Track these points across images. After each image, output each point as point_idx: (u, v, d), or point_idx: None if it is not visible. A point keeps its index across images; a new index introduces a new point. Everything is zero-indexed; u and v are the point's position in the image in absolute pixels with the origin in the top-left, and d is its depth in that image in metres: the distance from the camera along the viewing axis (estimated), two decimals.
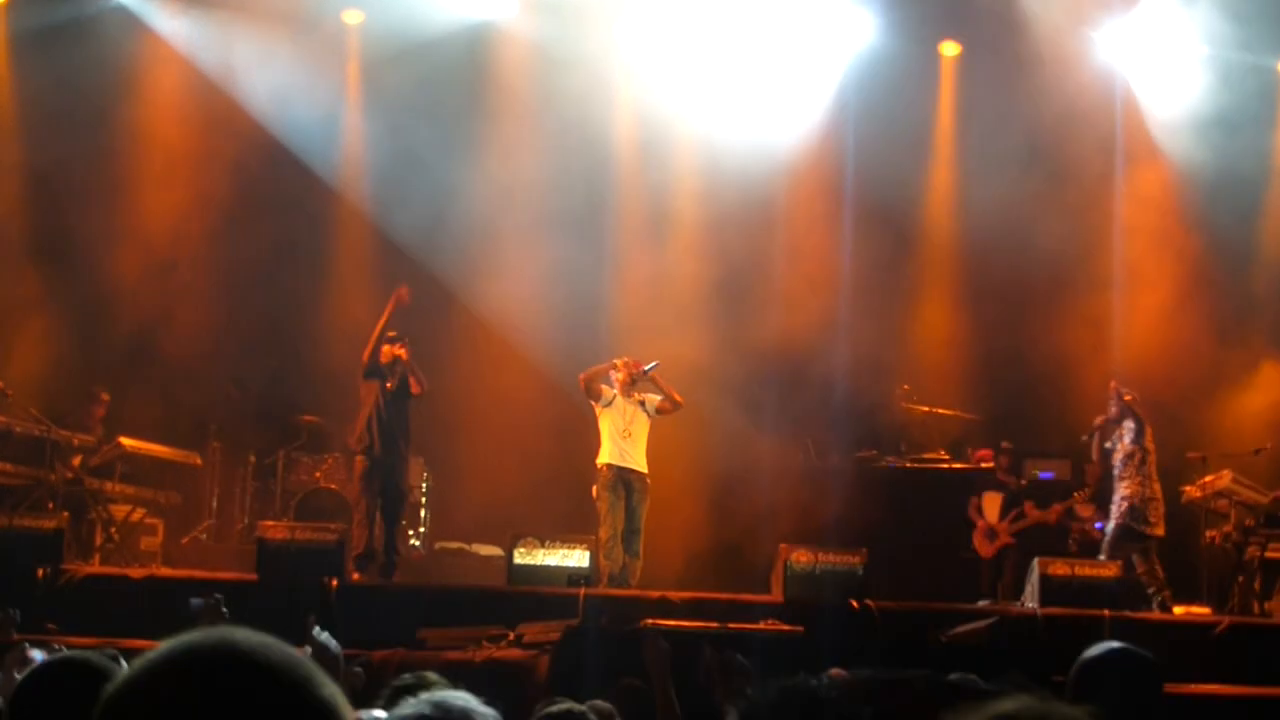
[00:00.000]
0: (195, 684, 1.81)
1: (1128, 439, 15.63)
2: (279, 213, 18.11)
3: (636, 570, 14.99)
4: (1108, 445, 15.89)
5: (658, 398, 15.43)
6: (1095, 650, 4.77)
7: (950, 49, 19.20)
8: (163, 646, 1.87)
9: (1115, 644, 4.86)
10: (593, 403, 15.42)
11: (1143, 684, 4.81)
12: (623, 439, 15.25)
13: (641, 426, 15.33)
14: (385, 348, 15.50)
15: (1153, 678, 4.83)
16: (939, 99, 19.22)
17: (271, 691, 1.82)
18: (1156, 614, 14.95)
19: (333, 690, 1.86)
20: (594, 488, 15.28)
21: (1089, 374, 17.67)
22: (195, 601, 7.61)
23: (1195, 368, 18.27)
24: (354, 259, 18.84)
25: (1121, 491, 15.54)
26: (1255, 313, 18.65)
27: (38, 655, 5.49)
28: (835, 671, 6.10)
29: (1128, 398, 15.68)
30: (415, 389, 15.56)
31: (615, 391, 15.36)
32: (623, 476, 15.15)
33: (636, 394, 15.38)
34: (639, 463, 15.27)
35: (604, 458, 15.27)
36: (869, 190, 18.61)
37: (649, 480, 15.28)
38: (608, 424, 15.31)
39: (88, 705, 1.87)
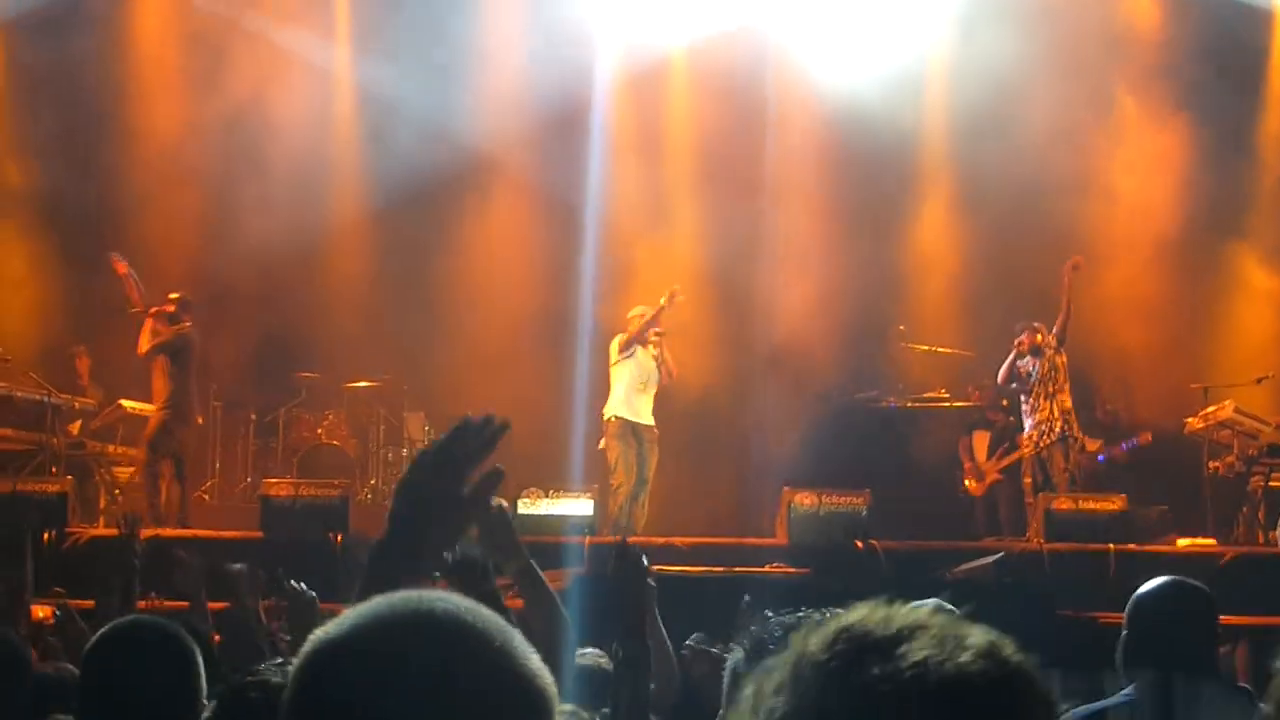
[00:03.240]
0: (410, 647, 1.78)
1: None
2: (275, 164, 18.01)
3: (641, 520, 15.01)
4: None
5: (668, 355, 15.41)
6: (1150, 585, 4.78)
7: None
8: (363, 609, 1.84)
9: (1170, 579, 4.88)
10: (617, 355, 15.36)
11: (1199, 617, 4.82)
12: (638, 392, 15.23)
13: (655, 382, 15.31)
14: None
15: (1208, 610, 4.84)
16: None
17: (481, 659, 1.80)
18: (1162, 546, 14.95)
19: (538, 661, 1.84)
20: (601, 439, 15.26)
21: (1085, 306, 17.68)
22: (235, 566, 7.60)
23: (1194, 296, 18.30)
24: (352, 214, 18.77)
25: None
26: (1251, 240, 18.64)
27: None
28: None
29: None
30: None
31: (634, 342, 15.34)
32: (632, 428, 15.15)
33: (656, 346, 15.33)
34: (648, 416, 15.27)
35: (613, 410, 15.23)
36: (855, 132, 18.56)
37: (657, 432, 15.30)
38: (625, 375, 15.26)
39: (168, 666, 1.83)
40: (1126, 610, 4.76)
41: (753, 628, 3.38)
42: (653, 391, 15.35)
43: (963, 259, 18.58)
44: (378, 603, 1.84)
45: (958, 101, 18.55)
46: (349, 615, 1.83)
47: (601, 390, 15.61)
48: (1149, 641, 4.71)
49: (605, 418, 15.28)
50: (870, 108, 18.17)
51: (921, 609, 1.72)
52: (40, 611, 8.81)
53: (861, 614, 1.72)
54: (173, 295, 15.53)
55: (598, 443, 15.37)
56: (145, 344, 15.28)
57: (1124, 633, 4.83)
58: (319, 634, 1.82)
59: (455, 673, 1.77)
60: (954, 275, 18.55)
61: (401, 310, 18.36)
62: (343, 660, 1.79)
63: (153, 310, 15.33)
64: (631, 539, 14.08)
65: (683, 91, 19.27)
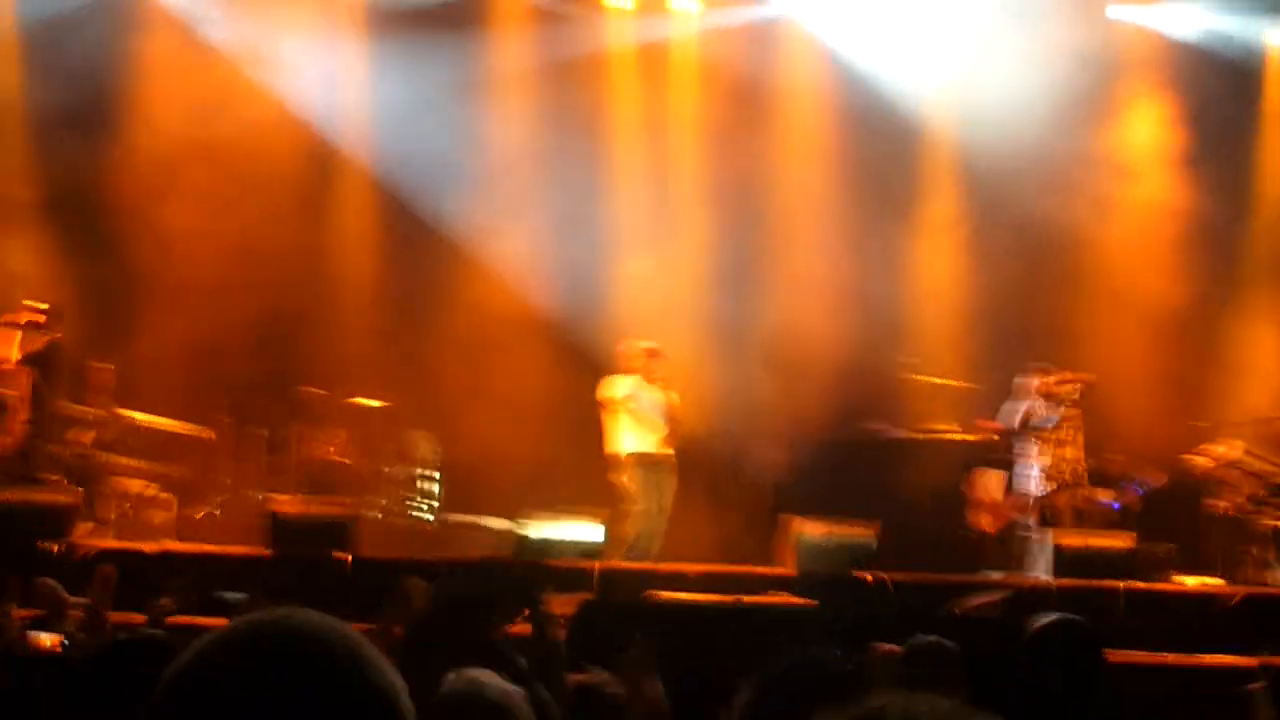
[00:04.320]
0: (255, 664, 1.81)
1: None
2: (289, 185, 18.09)
3: (655, 548, 15.02)
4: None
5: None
6: (1040, 622, 4.83)
7: None
8: (226, 626, 1.87)
9: (1059, 615, 4.93)
10: (613, 394, 15.39)
11: (1086, 654, 4.86)
12: (647, 423, 15.23)
13: (661, 410, 15.31)
14: None
15: (1095, 647, 4.89)
16: None
17: (331, 674, 1.82)
18: (1171, 585, 14.95)
19: (394, 678, 1.86)
20: (618, 473, 15.26)
21: (1091, 344, 17.71)
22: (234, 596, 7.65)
23: (1202, 333, 18.32)
24: (362, 231, 18.85)
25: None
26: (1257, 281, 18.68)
27: None
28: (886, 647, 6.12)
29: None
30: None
31: (637, 378, 15.35)
32: (653, 459, 15.16)
33: (658, 379, 15.36)
34: (663, 445, 15.27)
35: (630, 446, 15.23)
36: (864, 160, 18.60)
37: (675, 460, 15.31)
38: (630, 414, 15.27)
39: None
40: (1018, 648, 4.80)
41: (761, 674, 3.41)
42: (662, 419, 15.34)
43: (971, 293, 18.59)
44: (235, 622, 1.88)
45: (966, 135, 18.60)
46: (220, 629, 1.88)
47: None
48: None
49: (622, 454, 15.26)
50: (879, 139, 18.25)
51: (939, 703, 1.72)
52: (46, 640, 8.61)
53: (880, 704, 1.73)
54: (42, 305, 15.53)
55: (607, 469, 15.38)
56: (13, 353, 15.23)
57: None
58: (190, 647, 1.87)
59: (301, 687, 1.80)
60: (961, 308, 18.56)
61: (413, 328, 18.39)
62: (198, 671, 1.83)
63: (23, 320, 15.30)
64: (637, 564, 14.17)
65: (690, 127, 19.31)
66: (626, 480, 15.17)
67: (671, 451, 15.33)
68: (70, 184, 17.95)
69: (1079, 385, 15.82)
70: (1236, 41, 18.66)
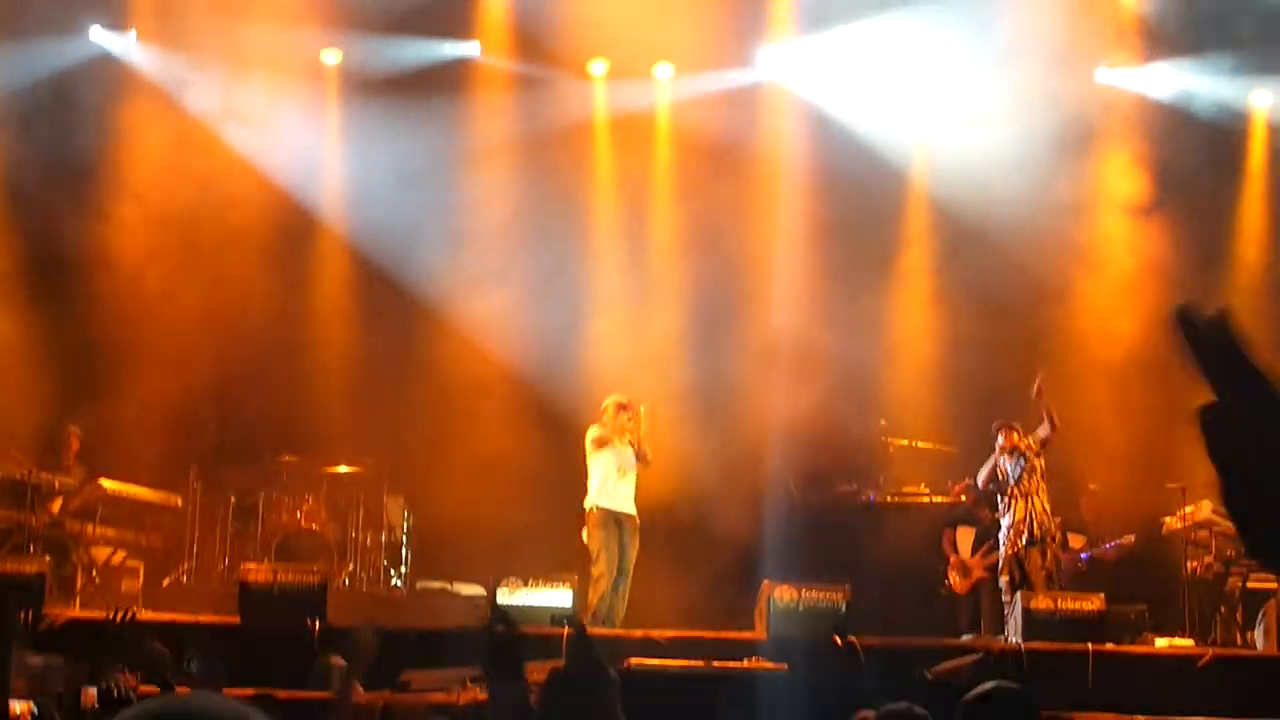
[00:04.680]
0: None
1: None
2: (263, 251, 18.11)
3: (621, 611, 14.99)
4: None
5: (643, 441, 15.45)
6: (979, 690, 4.86)
7: None
8: (127, 712, 1.88)
9: (997, 683, 4.96)
10: (592, 447, 15.39)
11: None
12: (616, 480, 15.24)
13: (633, 468, 15.34)
14: None
15: (1033, 714, 4.91)
16: None
17: None
18: (1140, 647, 14.97)
19: None
20: (583, 530, 15.26)
21: (1063, 405, 17.78)
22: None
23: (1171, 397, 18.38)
24: (336, 298, 18.88)
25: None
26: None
27: None
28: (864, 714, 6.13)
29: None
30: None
31: (611, 434, 15.38)
32: (614, 517, 15.15)
33: (630, 435, 15.38)
34: (628, 504, 15.28)
35: (594, 500, 15.24)
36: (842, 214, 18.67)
37: (638, 521, 15.31)
38: (601, 466, 15.28)
39: None
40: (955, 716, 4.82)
41: None
42: (632, 478, 15.36)
43: (943, 355, 18.64)
44: (137, 709, 1.90)
45: (940, 199, 18.70)
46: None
47: (580, 480, 15.62)
48: None
49: (586, 508, 15.29)
50: (857, 199, 18.32)
51: None
52: (18, 707, 8.58)
53: None
54: None
55: (579, 533, 15.37)
56: None
57: None
58: None
59: None
60: (933, 370, 18.60)
61: (381, 395, 18.39)
62: None
63: None
64: (608, 631, 14.13)
65: (666, 190, 19.40)
66: (588, 538, 15.16)
67: (634, 512, 15.30)
68: (44, 250, 17.96)
69: (1040, 437, 15.86)
70: (1219, 104, 18.79)
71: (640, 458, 15.36)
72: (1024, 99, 18.12)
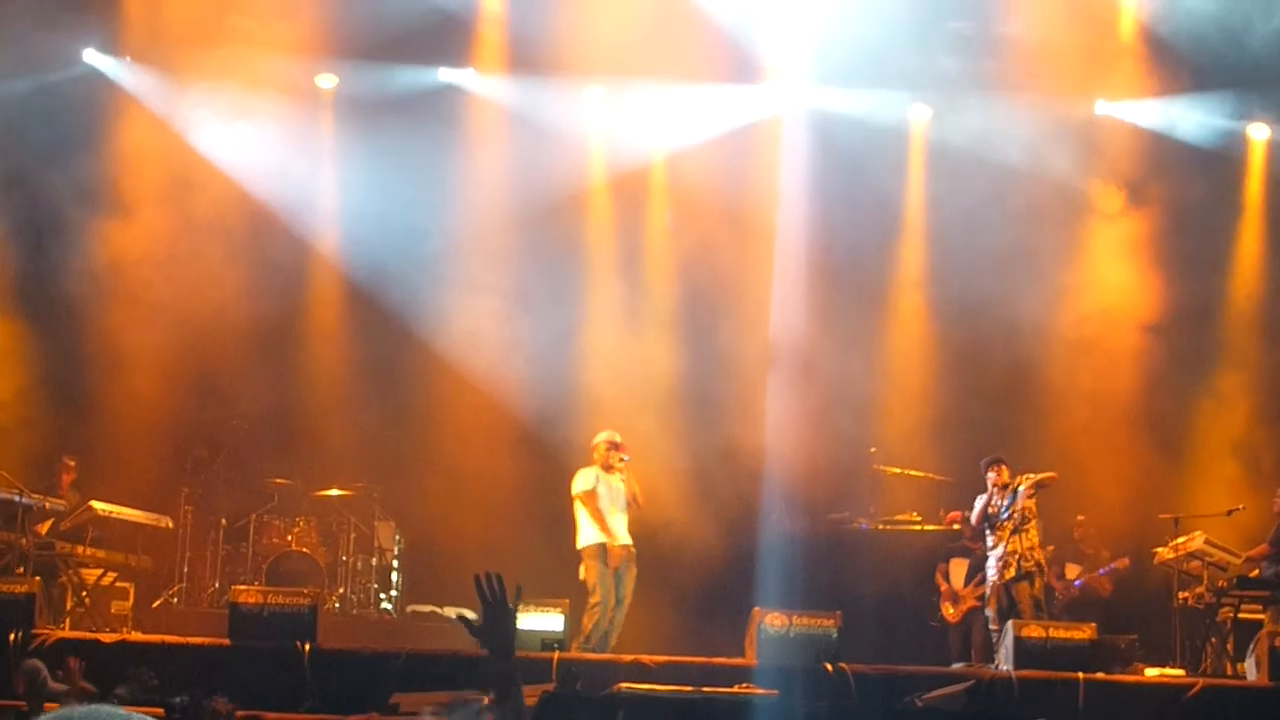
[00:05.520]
0: None
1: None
2: (255, 277, 18.12)
3: (614, 637, 14.99)
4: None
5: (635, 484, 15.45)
6: None
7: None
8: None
9: None
10: (581, 489, 15.38)
11: None
12: (611, 514, 15.24)
13: (624, 502, 15.33)
14: None
15: None
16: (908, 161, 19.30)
17: None
18: (1130, 676, 14.97)
19: None
20: (580, 568, 15.24)
21: (1058, 436, 17.80)
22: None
23: (1166, 429, 18.41)
24: (329, 323, 18.88)
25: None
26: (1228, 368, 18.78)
27: None
28: None
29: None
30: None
31: (597, 473, 15.37)
32: (606, 551, 15.13)
33: (620, 474, 15.39)
34: (624, 536, 15.27)
35: (588, 540, 15.23)
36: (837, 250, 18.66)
37: (634, 550, 15.31)
38: (591, 508, 15.26)
39: None
40: None
41: None
42: (625, 511, 15.36)
43: (935, 384, 18.64)
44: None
45: (933, 230, 18.73)
46: None
47: (571, 500, 15.62)
48: None
49: (580, 547, 15.26)
50: (853, 233, 18.34)
51: None
52: None
53: None
54: None
55: (570, 557, 15.37)
56: None
57: None
58: None
59: None
60: (926, 399, 18.59)
61: (374, 420, 18.38)
62: None
63: None
64: (598, 656, 14.11)
65: (661, 213, 19.42)
66: (584, 572, 15.17)
67: (630, 542, 15.31)
68: (37, 273, 17.97)
69: (1037, 479, 15.88)
70: (1217, 137, 18.83)
71: (633, 501, 15.36)
72: (1023, 128, 18.15)
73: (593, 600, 15.03)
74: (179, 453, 17.80)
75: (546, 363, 18.01)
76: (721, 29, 18.47)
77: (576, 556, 15.43)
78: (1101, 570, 17.54)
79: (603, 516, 15.22)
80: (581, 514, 15.33)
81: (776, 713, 12.05)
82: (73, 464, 16.66)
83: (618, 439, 15.49)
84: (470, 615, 4.44)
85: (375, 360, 18.51)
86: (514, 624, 4.64)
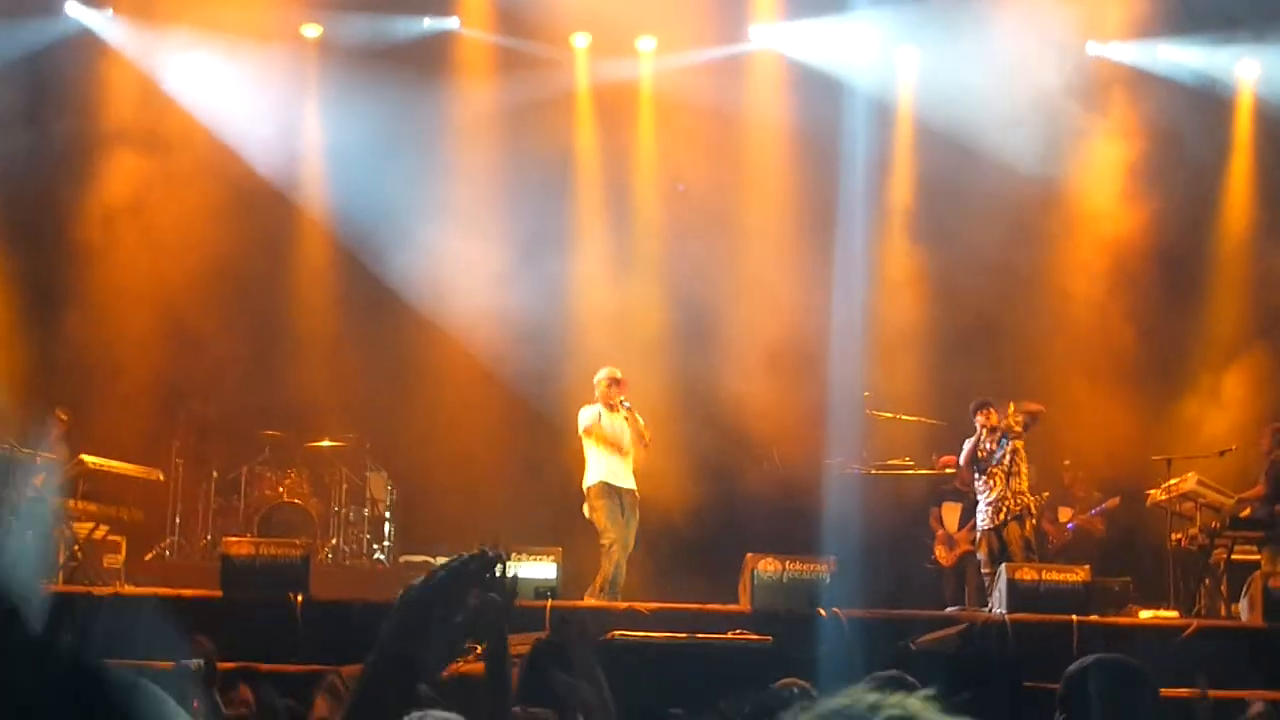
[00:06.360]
0: None
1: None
2: (242, 229, 18.05)
3: (620, 583, 14.98)
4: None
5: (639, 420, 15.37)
6: (1081, 662, 4.68)
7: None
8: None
9: (1103, 656, 4.77)
10: (587, 425, 15.31)
11: (1139, 695, 4.73)
12: (613, 454, 15.17)
13: (629, 444, 15.26)
14: None
15: (1147, 688, 4.76)
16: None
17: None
18: (1124, 618, 14.99)
19: None
20: (584, 506, 15.18)
21: (1051, 376, 17.78)
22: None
23: (1160, 366, 18.43)
24: (316, 274, 18.82)
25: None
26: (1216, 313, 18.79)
27: None
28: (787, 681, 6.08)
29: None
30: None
31: (600, 409, 15.31)
32: (614, 490, 15.09)
33: (627, 414, 15.32)
34: (628, 479, 15.21)
35: (593, 477, 15.16)
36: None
37: (638, 495, 15.26)
38: (596, 442, 15.20)
39: None
40: (1059, 690, 4.65)
41: (721, 703, 3.34)
42: (630, 454, 15.29)
43: (930, 326, 18.61)
44: None
45: (932, 167, 18.67)
46: None
47: (563, 449, 15.58)
48: None
49: (586, 487, 15.21)
50: (845, 171, 18.28)
51: (909, 699, 1.68)
52: None
53: (849, 700, 1.68)
54: None
55: (564, 506, 15.33)
56: None
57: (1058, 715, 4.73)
58: None
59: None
60: (924, 342, 18.56)
61: (365, 370, 18.33)
62: None
63: None
64: (593, 603, 14.10)
65: (650, 143, 19.36)
66: (591, 512, 15.10)
67: (633, 486, 15.24)
68: (24, 228, 17.88)
69: (1024, 416, 15.87)
70: (1207, 76, 18.79)
71: (639, 440, 15.29)
72: (1016, 66, 18.06)
73: (604, 541, 14.96)
74: (169, 406, 17.74)
75: (538, 310, 17.94)
76: None
77: (572, 504, 15.41)
78: (1093, 510, 17.56)
79: (608, 457, 15.14)
80: (590, 451, 15.26)
81: (770, 658, 12.05)
82: (65, 417, 16.59)
83: (619, 375, 15.41)
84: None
85: (364, 311, 18.44)
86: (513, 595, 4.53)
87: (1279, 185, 18.77)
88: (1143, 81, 18.79)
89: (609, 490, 15.09)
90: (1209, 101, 18.72)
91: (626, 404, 15.28)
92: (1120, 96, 18.74)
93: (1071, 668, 4.61)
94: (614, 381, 15.36)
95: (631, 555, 15.39)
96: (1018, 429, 15.77)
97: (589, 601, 14.34)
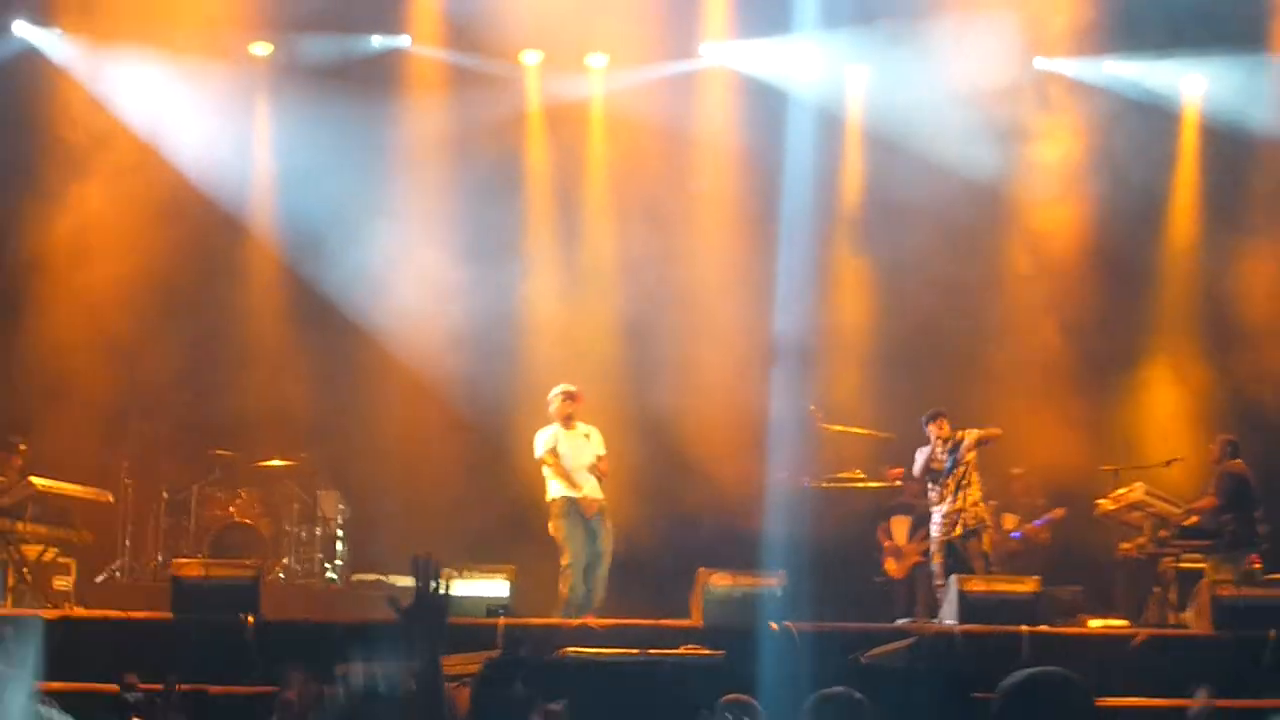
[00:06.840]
0: None
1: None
2: (190, 247, 18.01)
3: (600, 595, 14.95)
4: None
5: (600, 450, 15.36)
6: (1016, 677, 4.65)
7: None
8: None
9: (1036, 670, 4.74)
10: (542, 449, 15.31)
11: (1074, 707, 4.72)
12: (576, 470, 15.15)
13: (588, 457, 15.23)
14: None
15: (1083, 700, 4.75)
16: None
17: None
18: (1074, 628, 15.07)
19: None
20: (549, 523, 15.17)
21: (999, 389, 17.87)
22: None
23: (1108, 378, 18.54)
24: (264, 291, 18.76)
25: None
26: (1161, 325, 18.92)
27: None
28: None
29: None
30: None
31: (557, 429, 15.29)
32: (577, 505, 15.06)
33: (577, 422, 15.32)
34: (595, 490, 15.18)
35: (555, 492, 15.14)
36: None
37: (605, 503, 15.23)
38: (553, 469, 15.18)
39: None
40: (994, 704, 4.64)
41: None
42: (586, 462, 15.24)
43: (877, 339, 18.68)
44: None
45: (880, 181, 18.74)
46: None
47: (515, 463, 15.58)
48: None
49: (548, 500, 15.19)
50: (794, 184, 18.33)
51: None
52: None
53: None
54: None
55: (518, 524, 15.34)
56: None
57: None
58: None
59: None
60: (872, 356, 18.62)
61: (315, 388, 18.28)
62: None
63: None
64: (542, 620, 14.09)
65: (601, 159, 19.40)
66: (553, 530, 15.08)
67: (601, 496, 15.22)
68: None
69: (980, 435, 15.97)
70: (1152, 90, 18.93)
71: (594, 469, 15.25)
72: (963, 81, 18.16)
73: (563, 562, 14.95)
74: (115, 425, 17.67)
75: (489, 326, 17.94)
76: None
77: (524, 521, 15.40)
78: (1037, 521, 17.62)
79: (569, 475, 15.14)
80: (548, 473, 15.25)
81: (722, 673, 12.06)
82: (23, 447, 16.41)
83: (574, 390, 15.40)
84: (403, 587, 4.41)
85: (314, 328, 18.38)
86: (444, 610, 4.55)
87: (1223, 198, 18.90)
88: (1088, 96, 18.93)
89: (570, 506, 15.07)
90: (1154, 115, 18.85)
91: (589, 434, 15.27)
92: (1066, 110, 18.87)
93: (1005, 681, 4.60)
94: (569, 397, 15.35)
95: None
96: (971, 447, 15.87)
97: (540, 621, 14.33)
